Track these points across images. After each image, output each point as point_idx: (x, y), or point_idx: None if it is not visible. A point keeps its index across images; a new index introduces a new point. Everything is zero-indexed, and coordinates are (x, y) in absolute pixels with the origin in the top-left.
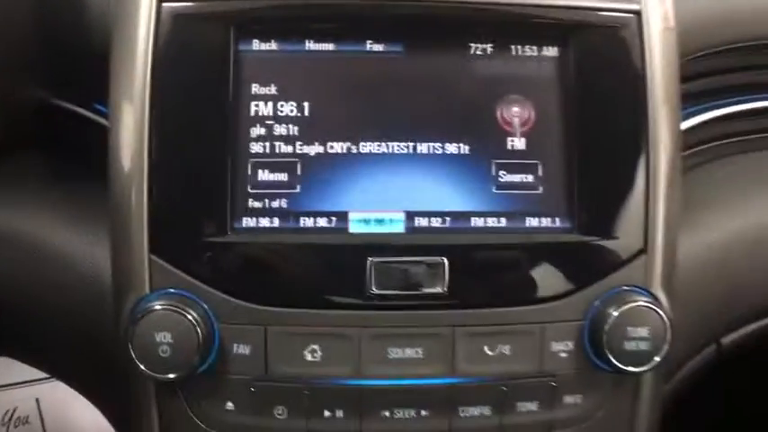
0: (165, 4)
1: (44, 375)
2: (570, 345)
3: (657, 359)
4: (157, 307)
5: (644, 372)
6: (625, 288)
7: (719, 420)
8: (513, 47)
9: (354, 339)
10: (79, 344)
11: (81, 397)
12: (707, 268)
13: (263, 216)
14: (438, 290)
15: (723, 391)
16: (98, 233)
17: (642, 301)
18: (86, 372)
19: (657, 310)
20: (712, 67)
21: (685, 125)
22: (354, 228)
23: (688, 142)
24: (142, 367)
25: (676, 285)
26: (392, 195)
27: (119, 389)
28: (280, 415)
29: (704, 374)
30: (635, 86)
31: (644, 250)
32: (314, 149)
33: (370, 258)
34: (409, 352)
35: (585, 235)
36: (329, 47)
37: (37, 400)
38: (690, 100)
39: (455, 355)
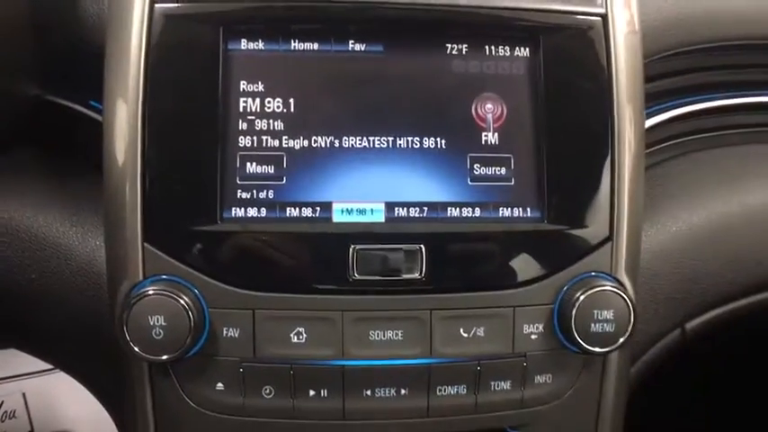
0: (157, 5)
1: (30, 370)
2: (540, 327)
3: (622, 340)
4: (151, 292)
5: (609, 352)
6: (592, 274)
7: (685, 403)
8: (487, 47)
9: (337, 322)
10: (76, 331)
11: (67, 390)
12: (671, 256)
13: (251, 206)
14: (416, 275)
15: (689, 374)
16: (92, 224)
17: (608, 286)
18: (83, 358)
19: (622, 294)
20: (675, 67)
21: (650, 122)
22: (337, 217)
23: (653, 139)
24: (136, 349)
25: (641, 272)
26: (373, 187)
27: (114, 374)
28: (267, 394)
29: (670, 358)
30: (601, 85)
31: (610, 238)
32: (299, 143)
33: (352, 246)
34: (389, 334)
35: (555, 224)
36: (313, 46)
37: (23, 394)
38: (654, 98)
39: (432, 336)
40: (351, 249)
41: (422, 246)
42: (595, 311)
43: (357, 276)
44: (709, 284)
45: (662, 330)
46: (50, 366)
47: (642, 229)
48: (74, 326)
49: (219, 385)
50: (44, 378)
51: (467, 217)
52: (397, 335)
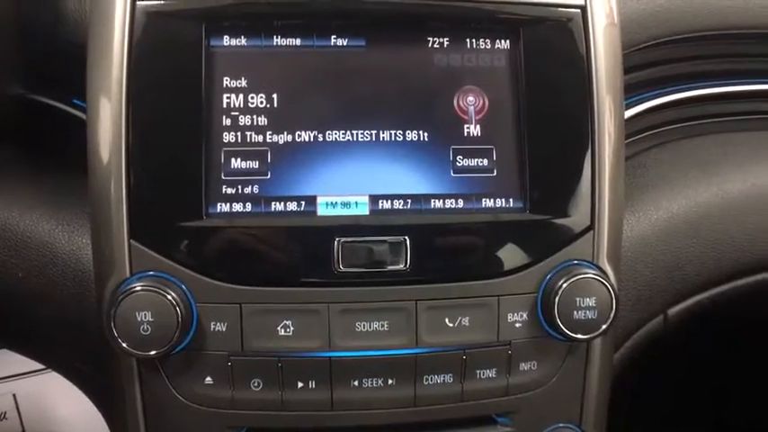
0: (139, 3)
1: (20, 371)
2: (524, 315)
3: (604, 327)
4: (138, 288)
5: (592, 339)
6: (574, 262)
7: (669, 388)
8: (468, 40)
9: (323, 314)
10: (64, 329)
11: (58, 391)
12: (652, 244)
13: (236, 201)
14: (401, 267)
15: (672, 360)
16: (78, 223)
17: (590, 274)
18: (72, 356)
19: (604, 281)
20: (654, 58)
21: (630, 113)
22: (322, 211)
23: (633, 129)
24: (124, 345)
25: (623, 260)
26: (357, 180)
27: (103, 372)
28: (256, 387)
29: (653, 344)
30: (581, 76)
31: (591, 227)
32: (283, 138)
33: (336, 239)
34: (375, 325)
35: (537, 214)
36: (296, 42)
37: (14, 396)
38: (634, 89)
39: (418, 327)
40: (336, 242)
41: (406, 238)
42: (578, 299)
43: (342, 269)
44: (690, 271)
45: (644, 317)
46: (41, 367)
47: (623, 217)
48: (62, 324)
49: (208, 379)
50: (35, 379)
51: (450, 208)
52: (382, 326)
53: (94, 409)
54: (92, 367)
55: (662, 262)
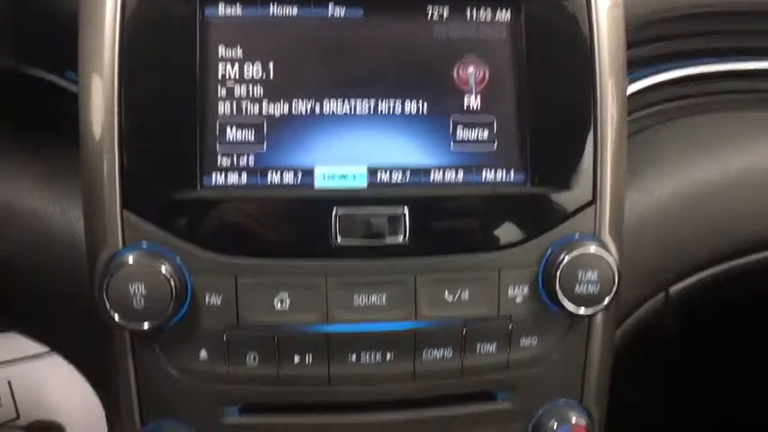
0: None
1: (14, 357)
2: (525, 289)
3: (607, 301)
4: (131, 260)
5: (594, 314)
6: (576, 235)
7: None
8: (468, 11)
9: (321, 287)
10: (57, 304)
11: (54, 378)
12: (653, 221)
13: (232, 172)
14: (399, 239)
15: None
16: (71, 196)
17: (592, 247)
18: (65, 332)
19: (605, 255)
20: (657, 34)
21: (632, 89)
22: (320, 183)
23: (635, 106)
24: (117, 318)
25: (625, 236)
26: (355, 152)
27: (96, 348)
28: (252, 362)
29: (654, 322)
30: (583, 50)
31: (593, 201)
32: (279, 109)
33: (334, 211)
34: (374, 298)
35: (538, 187)
36: (293, 11)
37: (9, 382)
38: (636, 65)
39: (417, 300)
40: (333, 214)
41: (405, 209)
42: (580, 272)
43: (340, 241)
44: (691, 249)
45: (645, 294)
46: (37, 353)
47: (625, 192)
48: (54, 298)
49: (203, 354)
50: (30, 365)
51: (450, 181)
52: (381, 299)
53: (91, 395)
54: (85, 344)
55: (663, 239)
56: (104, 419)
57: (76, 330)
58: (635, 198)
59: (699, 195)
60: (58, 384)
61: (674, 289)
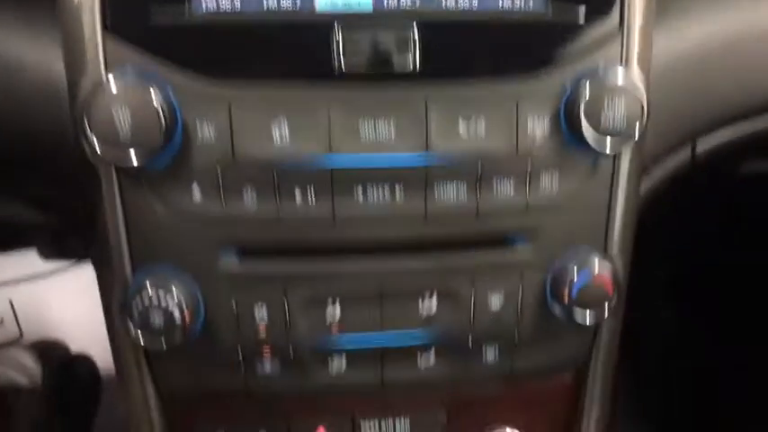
0: None
1: (16, 276)
2: (546, 123)
3: (635, 135)
4: (114, 86)
5: (620, 150)
6: (602, 65)
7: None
8: None
9: (323, 113)
10: (38, 151)
11: (55, 296)
12: (681, 70)
13: None
14: (409, 65)
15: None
16: (50, 37)
17: (619, 78)
18: (50, 184)
19: (633, 87)
20: None
21: None
22: (321, 7)
23: None
24: (100, 151)
25: (653, 78)
26: None
27: (82, 197)
28: (249, 200)
29: (680, 177)
30: None
31: (620, 29)
32: None
33: (337, 31)
34: (381, 126)
35: (560, 11)
36: None
37: (10, 301)
38: None
39: (429, 129)
40: (336, 35)
41: (414, 31)
42: (606, 104)
43: (343, 63)
44: (720, 98)
45: (672, 143)
46: (38, 272)
47: (652, 24)
48: (36, 145)
49: (197, 193)
50: (31, 283)
51: (464, 4)
52: (389, 128)
53: (93, 312)
54: (71, 195)
55: (691, 84)
56: (107, 337)
57: (61, 180)
58: (662, 45)
59: (729, 46)
60: (61, 303)
61: (700, 143)
